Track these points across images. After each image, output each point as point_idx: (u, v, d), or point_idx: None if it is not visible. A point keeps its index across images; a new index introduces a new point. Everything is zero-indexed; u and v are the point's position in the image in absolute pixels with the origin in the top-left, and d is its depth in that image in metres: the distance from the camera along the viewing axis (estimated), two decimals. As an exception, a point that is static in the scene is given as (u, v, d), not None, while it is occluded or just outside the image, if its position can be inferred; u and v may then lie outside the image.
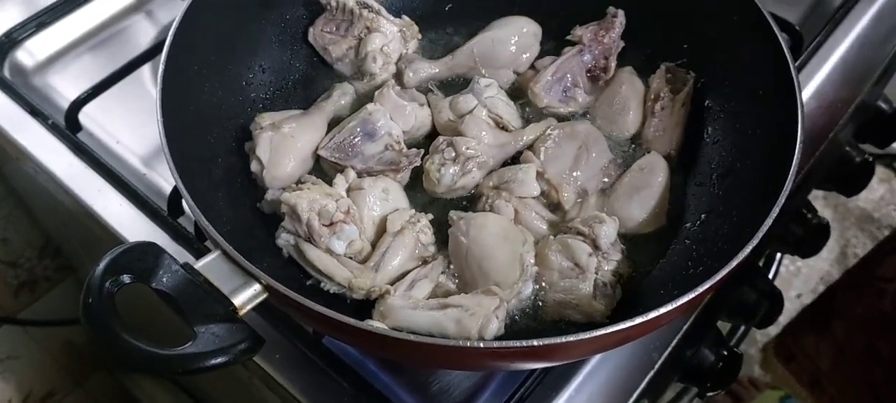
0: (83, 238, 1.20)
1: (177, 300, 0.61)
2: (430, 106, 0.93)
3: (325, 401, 0.79)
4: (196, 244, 0.88)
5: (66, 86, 1.09)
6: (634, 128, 0.93)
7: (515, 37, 0.98)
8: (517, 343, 0.61)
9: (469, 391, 0.80)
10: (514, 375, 0.80)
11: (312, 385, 0.80)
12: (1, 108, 1.03)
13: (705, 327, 0.99)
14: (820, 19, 1.13)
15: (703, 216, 0.84)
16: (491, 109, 0.91)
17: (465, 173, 0.85)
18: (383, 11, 0.97)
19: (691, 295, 0.63)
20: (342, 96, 0.94)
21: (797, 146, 0.73)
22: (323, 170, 0.88)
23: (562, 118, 0.94)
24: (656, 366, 0.84)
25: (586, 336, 0.61)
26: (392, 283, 0.77)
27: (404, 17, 1.00)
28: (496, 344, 0.64)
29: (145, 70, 1.07)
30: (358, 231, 0.79)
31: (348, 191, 0.83)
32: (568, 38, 0.98)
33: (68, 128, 1.00)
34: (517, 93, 0.97)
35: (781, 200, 0.69)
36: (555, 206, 0.86)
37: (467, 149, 0.85)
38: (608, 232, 0.79)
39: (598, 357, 0.82)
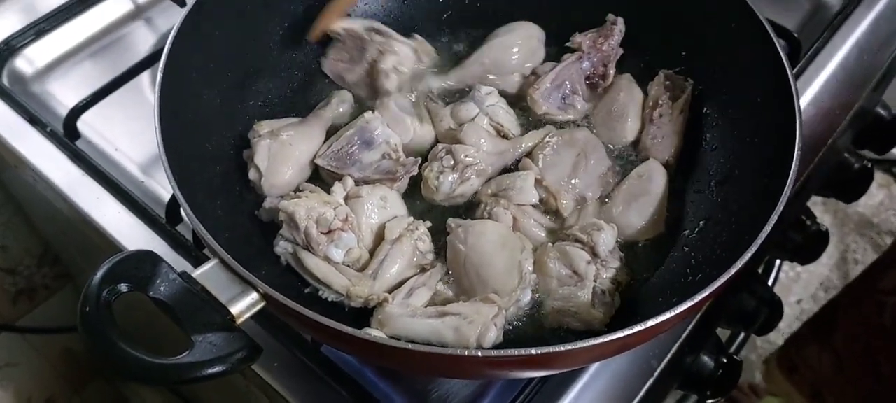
0: (81, 245, 1.20)
1: (174, 309, 0.61)
2: (430, 114, 0.93)
3: (323, 410, 0.78)
4: (194, 252, 0.88)
5: (64, 94, 1.08)
6: (633, 136, 0.93)
7: (523, 42, 0.99)
8: (515, 352, 0.61)
9: (468, 399, 0.79)
10: (512, 383, 0.79)
11: (311, 394, 0.79)
12: (-1, 116, 1.03)
13: (705, 334, 0.99)
14: (818, 26, 1.13)
15: (701, 223, 0.84)
16: (492, 117, 0.91)
17: (464, 181, 0.85)
18: (394, 34, 0.96)
19: (690, 303, 0.63)
20: (340, 103, 0.94)
21: (795, 152, 0.73)
22: (321, 177, 0.88)
23: (560, 125, 0.94)
24: (655, 374, 0.84)
25: (585, 345, 0.61)
26: (390, 291, 0.77)
27: (416, 36, 0.99)
28: (494, 353, 0.64)
29: (144, 77, 1.07)
30: (356, 239, 0.79)
31: (346, 198, 0.83)
32: (567, 44, 0.98)
33: (67, 136, 1.00)
34: (515, 99, 0.97)
35: (780, 207, 0.69)
36: (553, 214, 0.86)
37: (466, 156, 0.85)
38: (607, 239, 0.79)
39: (597, 364, 0.81)
